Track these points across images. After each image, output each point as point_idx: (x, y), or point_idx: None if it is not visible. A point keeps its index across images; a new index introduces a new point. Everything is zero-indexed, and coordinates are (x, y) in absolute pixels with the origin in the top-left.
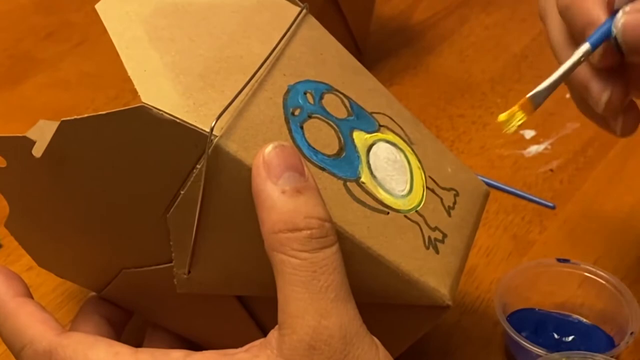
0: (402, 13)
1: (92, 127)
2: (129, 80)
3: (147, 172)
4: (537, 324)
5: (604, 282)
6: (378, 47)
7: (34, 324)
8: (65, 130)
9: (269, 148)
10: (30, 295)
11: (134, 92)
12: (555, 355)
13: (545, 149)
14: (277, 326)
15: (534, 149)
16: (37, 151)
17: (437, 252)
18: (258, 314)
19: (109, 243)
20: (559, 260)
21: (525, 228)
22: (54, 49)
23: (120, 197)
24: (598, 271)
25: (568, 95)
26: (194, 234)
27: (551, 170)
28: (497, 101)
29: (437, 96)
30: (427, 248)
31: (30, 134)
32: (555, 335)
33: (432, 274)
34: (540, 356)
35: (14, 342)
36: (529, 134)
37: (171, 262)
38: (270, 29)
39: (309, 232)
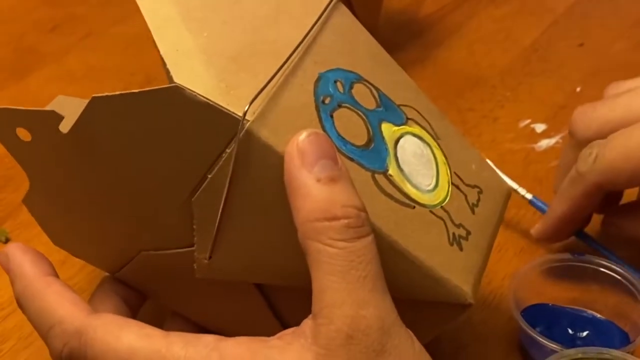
0: (410, 6)
1: (123, 104)
2: (136, 73)
3: (175, 153)
4: (551, 319)
5: (618, 276)
6: (386, 40)
7: (63, 304)
8: (96, 107)
9: (302, 135)
10: (56, 275)
11: (141, 86)
12: (571, 351)
13: (557, 142)
14: (310, 316)
15: (545, 142)
16: (65, 127)
17: (461, 249)
18: (277, 304)
19: (130, 224)
20: (573, 254)
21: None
22: (59, 42)
23: (146, 177)
24: (612, 265)
25: (579, 89)
26: (219, 218)
27: None
28: (506, 94)
29: (446, 90)
30: (451, 245)
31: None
32: (570, 331)
33: (455, 271)
34: (555, 352)
35: (42, 322)
36: (540, 127)
37: (192, 246)
38: (302, 15)
39: (346, 221)
